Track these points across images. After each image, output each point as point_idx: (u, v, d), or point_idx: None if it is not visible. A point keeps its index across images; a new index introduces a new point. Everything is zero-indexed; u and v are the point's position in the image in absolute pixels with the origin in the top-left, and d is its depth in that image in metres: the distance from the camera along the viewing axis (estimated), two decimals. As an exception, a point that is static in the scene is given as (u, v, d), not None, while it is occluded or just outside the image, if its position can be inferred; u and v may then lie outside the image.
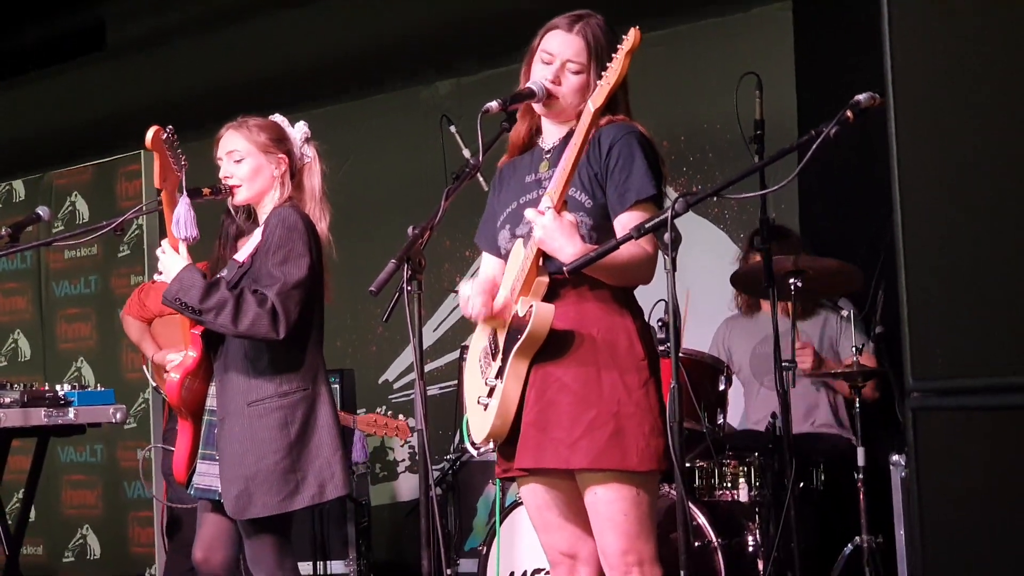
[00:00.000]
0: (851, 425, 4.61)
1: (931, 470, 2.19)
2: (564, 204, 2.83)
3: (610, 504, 2.87)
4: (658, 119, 4.39)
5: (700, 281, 5.15)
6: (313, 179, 3.71)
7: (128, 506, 7.42)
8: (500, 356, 2.95)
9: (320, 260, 3.59)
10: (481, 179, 4.25)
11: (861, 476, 4.35)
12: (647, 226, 2.70)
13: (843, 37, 5.25)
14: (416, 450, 6.25)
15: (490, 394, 2.96)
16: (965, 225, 2.17)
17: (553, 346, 2.88)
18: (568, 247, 2.78)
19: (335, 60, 6.97)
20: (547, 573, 3.84)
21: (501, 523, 4.44)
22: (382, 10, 6.88)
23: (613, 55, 2.76)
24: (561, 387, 2.88)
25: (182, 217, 3.53)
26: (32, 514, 5.31)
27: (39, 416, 4.42)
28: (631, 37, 2.71)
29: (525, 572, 4.44)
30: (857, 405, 4.43)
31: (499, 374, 2.93)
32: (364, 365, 6.64)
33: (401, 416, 5.87)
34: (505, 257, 3.05)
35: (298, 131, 3.73)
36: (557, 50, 2.98)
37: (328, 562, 5.67)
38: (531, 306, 2.85)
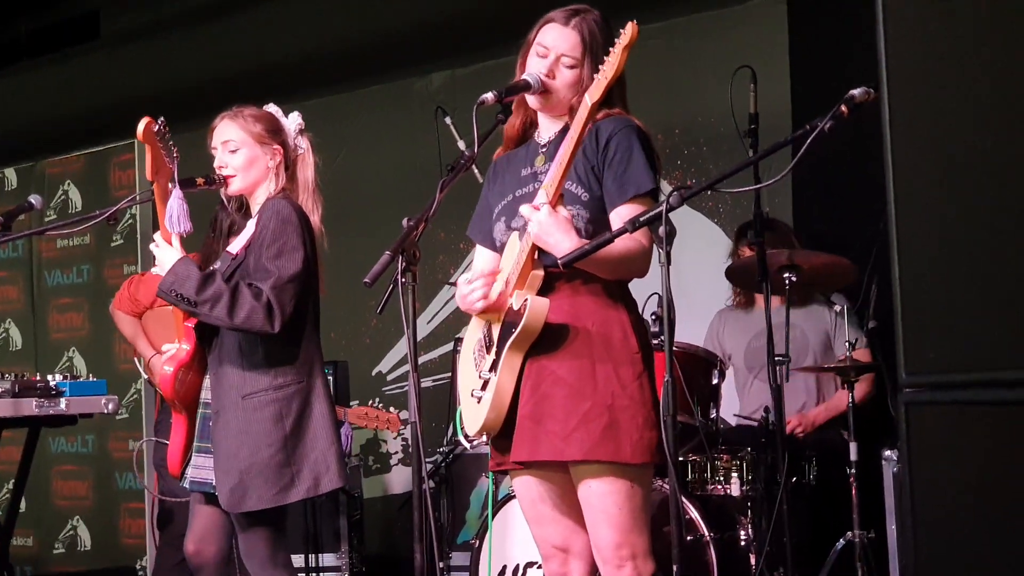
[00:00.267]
0: (844, 420, 4.62)
1: (924, 465, 2.19)
2: (560, 199, 2.83)
3: (604, 497, 2.87)
4: (653, 112, 4.37)
5: (694, 275, 5.15)
6: (306, 171, 3.69)
7: (119, 497, 7.41)
8: (494, 349, 2.94)
9: (314, 253, 3.57)
10: (476, 171, 4.24)
11: (853, 471, 4.36)
12: (642, 219, 2.70)
13: (838, 31, 5.25)
14: (409, 443, 6.25)
15: (484, 387, 2.96)
16: (959, 220, 2.16)
17: (548, 339, 2.88)
18: (564, 242, 2.77)
19: (329, 51, 6.95)
20: (539, 567, 3.84)
21: (494, 516, 4.44)
22: (375, 1, 6.86)
23: (610, 49, 2.75)
24: (556, 380, 2.88)
25: (175, 211, 3.50)
26: (22, 505, 5.29)
27: (30, 406, 4.40)
28: (628, 31, 2.70)
29: (518, 566, 4.45)
30: (850, 400, 4.44)
31: (493, 367, 2.93)
32: (358, 357, 6.63)
33: (393, 408, 5.86)
34: (500, 250, 3.05)
35: (292, 122, 3.71)
36: (552, 44, 2.97)
37: (320, 555, 5.66)
38: (526, 300, 2.85)
